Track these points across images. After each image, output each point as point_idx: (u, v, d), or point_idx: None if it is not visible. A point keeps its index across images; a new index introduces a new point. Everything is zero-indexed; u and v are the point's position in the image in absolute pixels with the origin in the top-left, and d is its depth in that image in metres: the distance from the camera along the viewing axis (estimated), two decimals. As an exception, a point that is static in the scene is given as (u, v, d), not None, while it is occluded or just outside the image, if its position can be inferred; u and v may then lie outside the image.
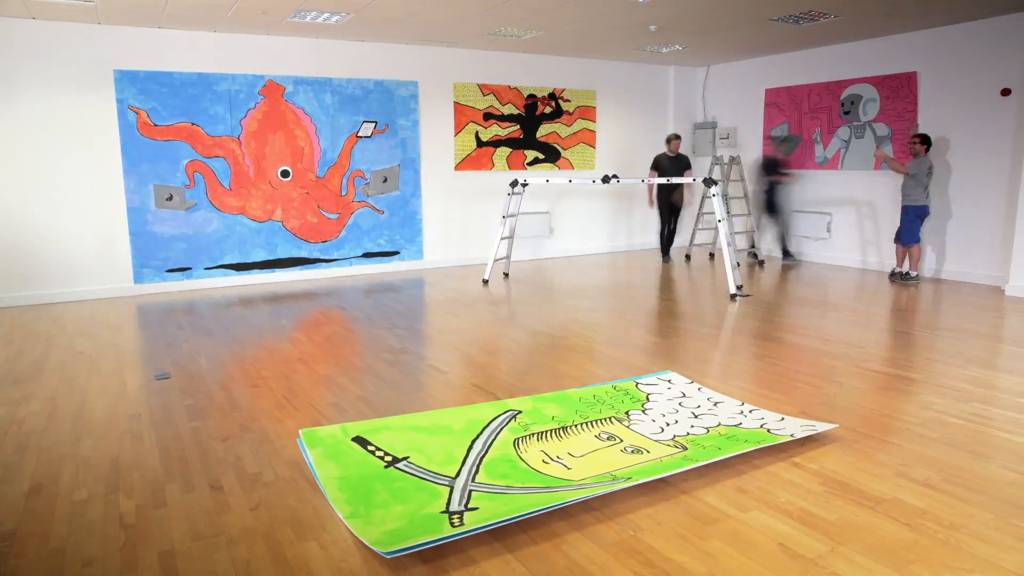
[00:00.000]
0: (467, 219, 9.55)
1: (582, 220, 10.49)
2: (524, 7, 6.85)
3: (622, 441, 3.58)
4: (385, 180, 8.84)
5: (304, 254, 8.56)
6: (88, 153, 7.34)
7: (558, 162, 10.04)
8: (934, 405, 4.08)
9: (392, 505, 2.90)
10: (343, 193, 8.62)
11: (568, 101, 9.98)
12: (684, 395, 4.26)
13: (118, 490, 3.13)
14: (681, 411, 4.01)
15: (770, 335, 5.72)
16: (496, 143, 9.53)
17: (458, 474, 3.20)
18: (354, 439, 3.58)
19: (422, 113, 8.98)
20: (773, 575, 2.43)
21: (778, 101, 9.95)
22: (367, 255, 8.93)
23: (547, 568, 2.49)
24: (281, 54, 8.12)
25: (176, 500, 3.04)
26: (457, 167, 9.31)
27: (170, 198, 7.72)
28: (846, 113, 9.12)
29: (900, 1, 6.73)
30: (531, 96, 9.68)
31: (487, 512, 2.79)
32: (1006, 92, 7.40)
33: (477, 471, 3.23)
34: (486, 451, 3.45)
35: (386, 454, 3.41)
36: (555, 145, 9.97)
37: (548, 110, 9.83)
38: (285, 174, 8.28)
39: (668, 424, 3.80)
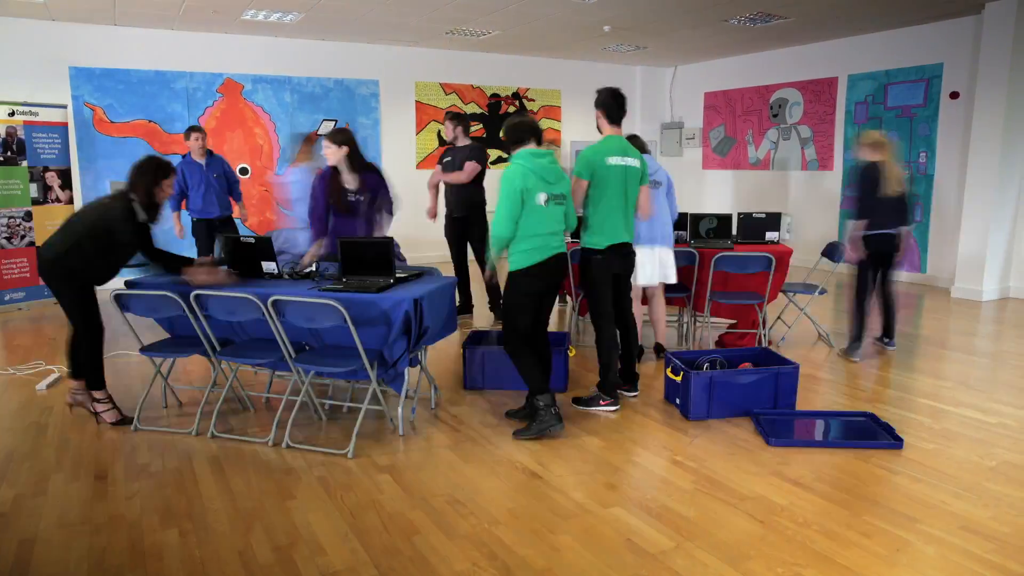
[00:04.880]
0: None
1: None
2: (472, 7, 6.91)
3: None
4: (345, 178, 8.90)
5: (264, 251, 8.63)
6: (44, 149, 7.43)
7: (522, 162, 10.09)
8: (836, 406, 4.13)
9: None
10: (303, 191, 8.68)
11: (533, 100, 10.03)
12: None
13: (3, 480, 3.20)
14: None
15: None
16: (459, 142, 9.58)
17: None
18: None
19: (383, 112, 9.04)
20: (611, 570, 2.48)
21: (716, 104, 10.31)
22: (328, 252, 9.01)
23: (390, 559, 2.55)
24: (239, 53, 8.19)
25: (57, 489, 3.10)
26: (419, 166, 9.37)
27: (127, 194, 7.79)
28: (774, 116, 9.49)
29: (854, 3, 6.78)
30: (495, 95, 9.74)
31: None
32: (955, 95, 7.44)
33: None
34: None
35: None
36: (519, 145, 10.02)
37: (512, 109, 9.88)
38: (244, 171, 8.35)
39: None
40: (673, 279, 4.84)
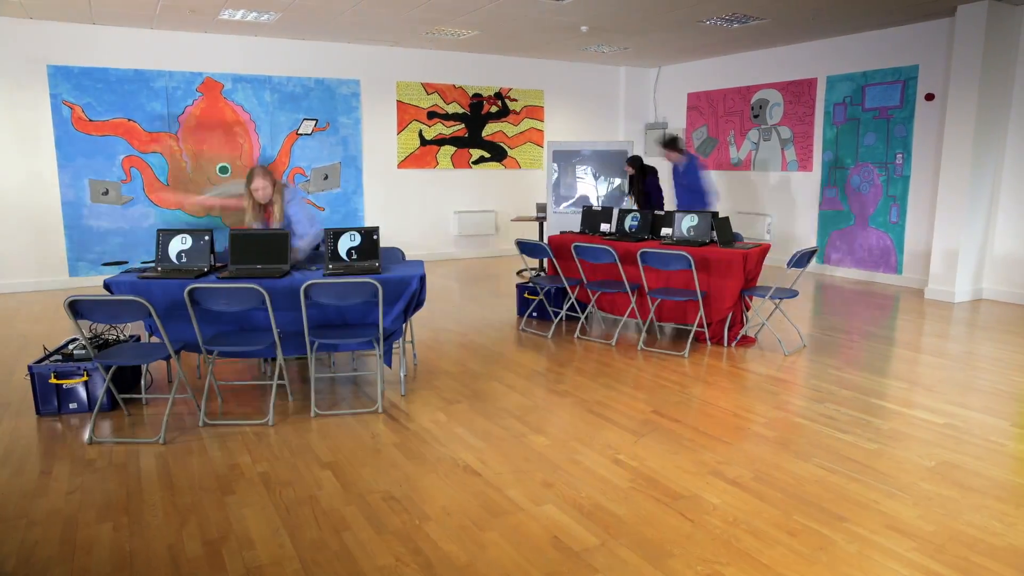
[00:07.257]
0: (410, 216, 9.64)
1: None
2: (445, 8, 6.93)
3: None
4: (326, 177, 8.94)
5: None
6: (22, 147, 7.46)
7: (504, 161, 10.12)
8: (788, 406, 4.15)
9: None
10: (283, 189, 8.72)
11: (515, 101, 10.06)
12: None
13: (-52, 475, 3.24)
14: None
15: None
16: (440, 142, 9.62)
17: None
18: None
19: (364, 111, 9.07)
20: (531, 566, 2.51)
21: (698, 105, 10.33)
22: (309, 251, 9.05)
23: (316, 553, 2.58)
24: (219, 52, 8.22)
25: None
26: (400, 165, 9.40)
27: (106, 192, 7.83)
28: (755, 117, 9.51)
29: (824, 6, 6.80)
30: (476, 95, 9.77)
31: None
32: (930, 97, 7.45)
33: None
34: None
35: None
36: (501, 144, 10.06)
37: (494, 109, 9.91)
38: (224, 170, 8.39)
39: None
40: None
